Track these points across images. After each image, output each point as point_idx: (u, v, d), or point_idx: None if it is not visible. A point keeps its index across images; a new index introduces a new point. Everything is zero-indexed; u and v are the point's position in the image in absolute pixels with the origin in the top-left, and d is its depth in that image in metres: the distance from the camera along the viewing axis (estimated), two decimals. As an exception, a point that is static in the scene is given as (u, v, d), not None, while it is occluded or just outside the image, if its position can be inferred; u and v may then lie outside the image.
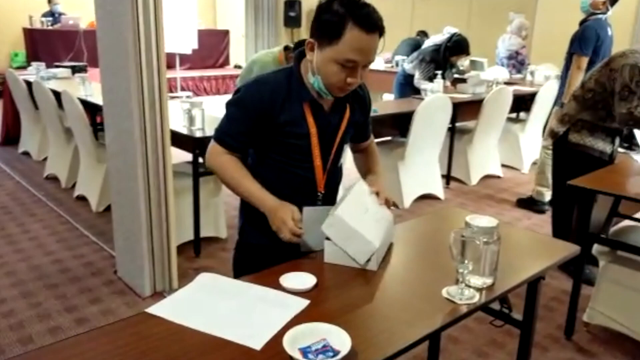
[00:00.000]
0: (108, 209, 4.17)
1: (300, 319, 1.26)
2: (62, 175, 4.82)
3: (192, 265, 3.38)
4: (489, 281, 1.48)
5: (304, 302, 1.34)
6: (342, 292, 1.43)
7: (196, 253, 3.51)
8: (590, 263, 3.04)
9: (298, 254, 1.64)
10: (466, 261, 1.38)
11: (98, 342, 1.18)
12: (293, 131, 1.61)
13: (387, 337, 1.23)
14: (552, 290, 3.17)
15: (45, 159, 5.36)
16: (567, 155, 3.17)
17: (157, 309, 1.30)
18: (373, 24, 1.46)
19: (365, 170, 1.90)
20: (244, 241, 1.80)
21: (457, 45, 5.07)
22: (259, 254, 1.71)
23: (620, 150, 3.21)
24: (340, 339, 1.16)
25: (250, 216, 1.72)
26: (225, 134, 1.64)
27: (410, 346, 1.21)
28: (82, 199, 4.43)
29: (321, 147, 1.65)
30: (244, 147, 1.67)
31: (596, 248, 2.71)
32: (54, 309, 2.86)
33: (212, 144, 1.66)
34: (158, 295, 2.98)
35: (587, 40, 4.03)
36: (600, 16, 4.14)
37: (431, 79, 5.04)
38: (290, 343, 1.14)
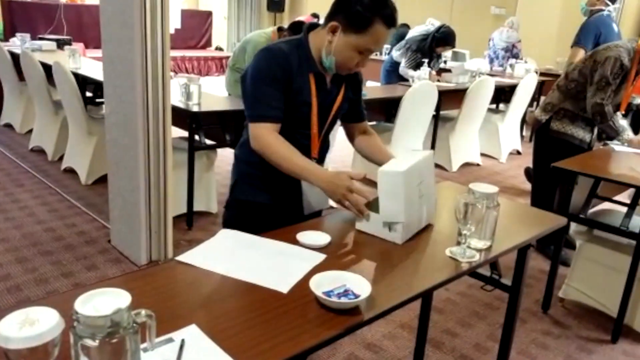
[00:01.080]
0: (97, 181, 4.22)
1: (318, 270, 1.36)
2: (49, 148, 4.81)
3: (184, 237, 3.46)
4: (488, 243, 1.61)
5: (321, 256, 1.45)
6: (354, 250, 1.54)
7: (188, 225, 3.58)
8: (566, 246, 3.23)
9: (297, 214, 1.77)
10: (469, 224, 1.51)
11: (137, 283, 1.27)
12: (299, 99, 1.70)
13: (401, 285, 1.35)
14: (530, 269, 3.34)
15: (29, 131, 5.33)
16: (548, 142, 3.34)
17: (186, 257, 1.39)
18: (395, 21, 1.64)
19: (381, 156, 1.89)
20: (238, 198, 1.83)
21: (445, 37, 5.22)
22: (255, 212, 1.79)
23: (601, 145, 3.38)
24: (360, 285, 1.27)
25: (246, 173, 1.81)
26: (265, 108, 1.66)
27: (421, 294, 1.34)
28: (70, 171, 4.44)
29: (319, 117, 1.76)
30: (278, 115, 1.68)
31: (574, 229, 2.89)
32: (51, 274, 2.91)
33: (255, 126, 1.67)
34: (154, 263, 3.05)
35: (586, 33, 4.17)
36: (601, 13, 4.25)
37: (418, 66, 5.18)
38: (315, 287, 1.25)
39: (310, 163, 1.69)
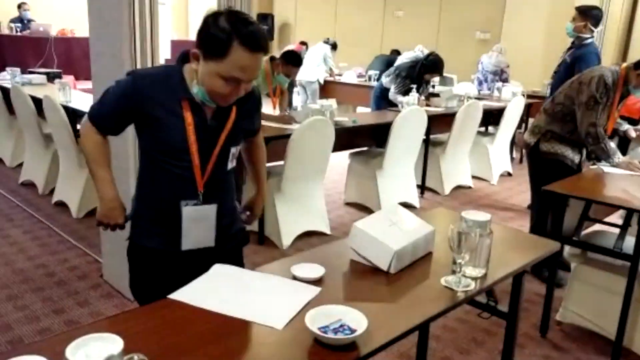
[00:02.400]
0: (89, 214, 4.19)
1: (313, 304, 1.35)
2: (40, 182, 4.78)
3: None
4: (482, 272, 1.60)
5: (316, 289, 1.44)
6: (349, 282, 1.54)
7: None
8: (560, 268, 3.22)
9: (187, 257, 1.68)
10: (463, 252, 1.50)
11: (128, 324, 1.25)
12: (169, 125, 1.59)
13: (398, 317, 1.34)
14: (526, 292, 3.32)
15: (19, 165, 5.30)
16: (540, 163, 3.37)
17: (179, 295, 1.38)
18: (257, 44, 1.47)
19: (251, 166, 1.99)
20: (135, 241, 1.74)
21: (433, 65, 5.31)
22: (151, 258, 1.72)
23: (592, 166, 3.40)
24: (356, 319, 1.26)
25: (142, 211, 1.72)
26: (98, 115, 1.68)
27: (418, 326, 1.32)
28: (61, 204, 4.40)
29: (199, 146, 1.61)
30: (113, 131, 1.70)
31: (568, 251, 2.90)
32: (42, 311, 2.87)
33: (85, 121, 1.71)
34: (147, 297, 3.01)
35: (588, 64, 4.18)
36: (592, 40, 4.36)
37: (407, 92, 5.24)
38: (310, 323, 1.23)
39: (108, 177, 1.71)
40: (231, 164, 1.73)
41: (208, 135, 1.63)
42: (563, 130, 3.27)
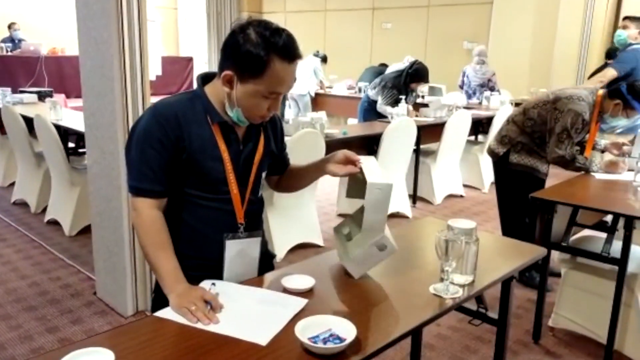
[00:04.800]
0: (81, 232, 4.19)
1: (302, 316, 1.36)
2: (32, 201, 4.78)
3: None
4: (470, 278, 1.63)
5: (303, 302, 1.44)
6: (339, 291, 1.56)
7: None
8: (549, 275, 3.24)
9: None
10: (450, 260, 1.53)
11: (118, 340, 1.26)
12: (205, 156, 1.49)
13: (386, 326, 1.36)
14: (517, 299, 3.36)
15: (11, 184, 5.29)
16: (510, 175, 3.41)
17: (165, 313, 1.38)
18: (295, 53, 1.42)
19: (302, 172, 1.78)
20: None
21: (417, 73, 5.38)
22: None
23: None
24: (345, 328, 1.28)
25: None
26: (141, 180, 1.48)
27: (407, 334, 1.35)
28: (53, 223, 4.40)
29: (237, 175, 1.54)
30: (166, 188, 1.50)
31: (558, 257, 2.93)
32: (35, 330, 2.86)
33: (135, 199, 1.50)
34: (140, 314, 3.01)
35: (624, 61, 4.57)
36: (636, 46, 4.65)
37: (396, 102, 5.30)
38: (300, 334, 1.25)
39: (169, 266, 1.45)
40: (261, 191, 1.68)
41: (243, 161, 1.56)
42: (531, 143, 3.31)
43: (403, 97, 5.34)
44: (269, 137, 1.65)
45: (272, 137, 1.67)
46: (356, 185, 1.62)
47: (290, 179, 1.82)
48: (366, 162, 1.62)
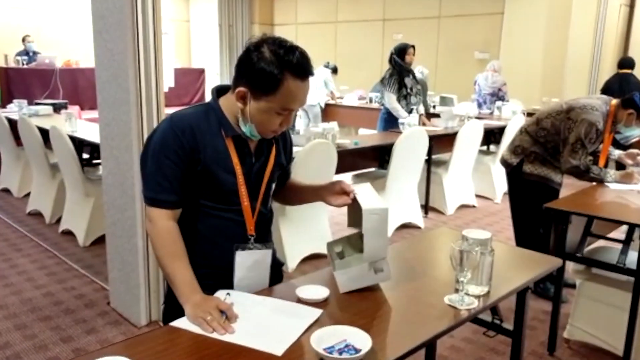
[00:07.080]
0: (95, 242, 4.22)
1: (317, 326, 1.36)
2: (46, 211, 4.83)
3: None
4: (485, 289, 1.62)
5: (317, 312, 1.45)
6: (354, 302, 1.55)
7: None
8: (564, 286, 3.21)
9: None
10: (465, 270, 1.52)
11: (134, 349, 1.27)
12: (219, 168, 1.52)
13: (402, 337, 1.36)
14: (532, 310, 3.32)
15: (26, 195, 5.35)
16: (522, 185, 3.39)
17: (180, 322, 1.39)
18: (308, 70, 1.45)
19: (301, 191, 1.82)
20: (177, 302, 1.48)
21: (399, 47, 5.52)
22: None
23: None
24: (361, 339, 1.28)
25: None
26: (156, 191, 1.49)
27: (422, 345, 1.34)
28: (67, 233, 4.44)
29: (248, 188, 1.57)
30: (181, 199, 1.52)
31: (573, 268, 2.90)
32: (50, 340, 2.88)
33: (148, 210, 1.52)
34: (154, 324, 3.02)
35: None
36: None
37: (405, 97, 5.37)
38: (316, 344, 1.25)
39: (185, 276, 1.46)
40: (271, 202, 1.70)
41: (255, 174, 1.58)
42: (545, 153, 3.30)
43: (415, 106, 5.37)
44: (279, 150, 1.67)
45: (282, 149, 1.70)
46: (356, 213, 1.63)
47: (288, 191, 1.85)
48: (361, 190, 1.65)
